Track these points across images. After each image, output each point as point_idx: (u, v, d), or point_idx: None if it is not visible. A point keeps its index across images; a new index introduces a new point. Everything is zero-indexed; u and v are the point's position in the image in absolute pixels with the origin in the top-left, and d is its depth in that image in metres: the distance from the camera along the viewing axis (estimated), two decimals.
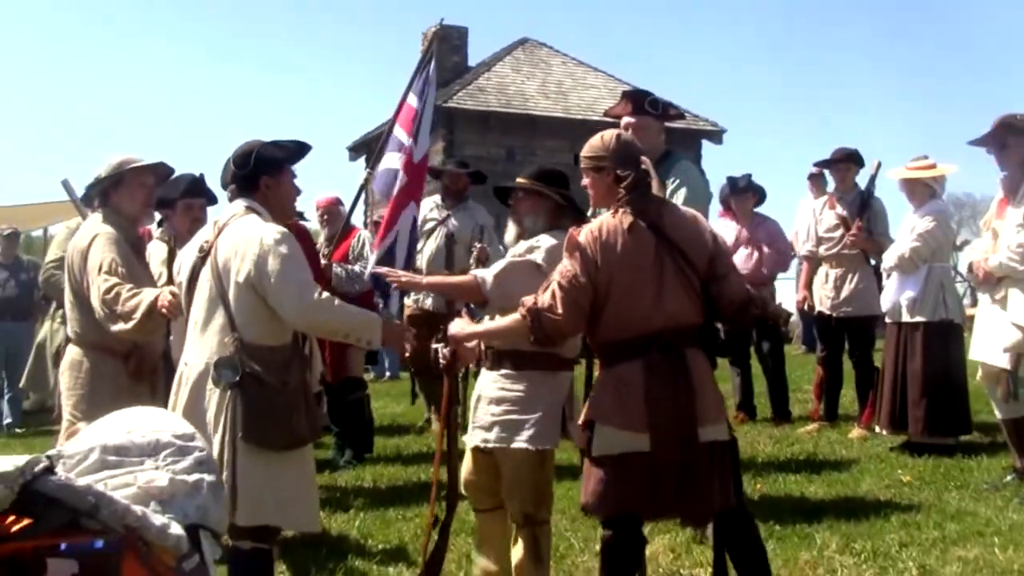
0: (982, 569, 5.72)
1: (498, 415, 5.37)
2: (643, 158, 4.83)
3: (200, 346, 4.87)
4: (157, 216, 7.27)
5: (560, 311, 4.65)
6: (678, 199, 6.02)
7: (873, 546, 6.15)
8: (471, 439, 5.54)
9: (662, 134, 6.51)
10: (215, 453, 4.63)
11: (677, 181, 6.26)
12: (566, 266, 4.71)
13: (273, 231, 4.83)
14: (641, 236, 4.65)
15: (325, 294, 4.85)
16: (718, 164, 30.31)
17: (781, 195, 50.29)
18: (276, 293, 4.73)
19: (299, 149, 5.30)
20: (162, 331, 6.05)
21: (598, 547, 5.11)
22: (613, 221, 4.70)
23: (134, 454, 3.31)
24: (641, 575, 5.20)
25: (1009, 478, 7.50)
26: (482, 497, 5.70)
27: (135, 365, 6.00)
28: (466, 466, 5.70)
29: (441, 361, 5.68)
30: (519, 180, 5.64)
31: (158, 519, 3.13)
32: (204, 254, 4.94)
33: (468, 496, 5.80)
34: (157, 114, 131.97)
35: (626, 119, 6.33)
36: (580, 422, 4.85)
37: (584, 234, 4.73)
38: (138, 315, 5.64)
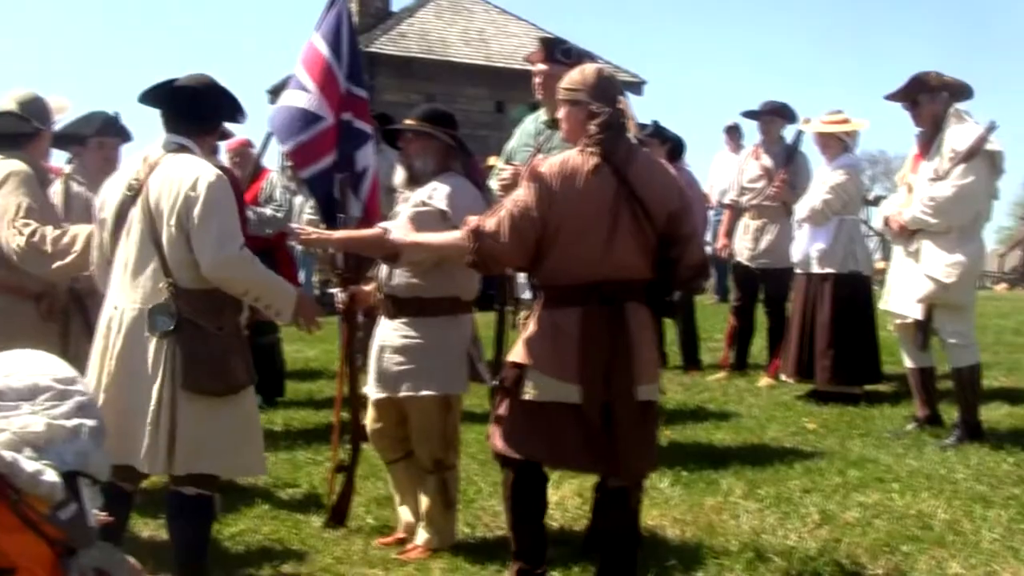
0: (881, 514, 5.88)
1: (403, 364, 5.37)
2: (621, 98, 4.69)
3: (132, 290, 4.70)
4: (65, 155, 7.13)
5: (504, 239, 4.55)
6: None
7: (777, 492, 6.30)
8: (374, 390, 5.53)
9: None
10: (153, 401, 4.58)
11: None
12: (520, 195, 4.61)
13: (211, 172, 4.67)
14: (602, 179, 4.52)
15: (247, 251, 4.68)
16: (639, 115, 30.37)
17: (702, 148, 50.49)
18: (196, 239, 4.58)
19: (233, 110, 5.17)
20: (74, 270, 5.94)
21: None
22: (578, 159, 4.57)
23: (10, 398, 3.22)
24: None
25: (910, 426, 7.71)
26: (390, 447, 5.71)
27: (47, 305, 5.86)
28: (370, 417, 5.69)
29: (338, 306, 5.73)
30: (407, 121, 5.60)
31: (30, 465, 3.06)
32: (134, 192, 4.74)
33: (376, 448, 5.80)
34: (63, 50, 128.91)
35: (538, 66, 6.32)
36: (508, 362, 4.77)
37: (546, 166, 4.61)
38: (77, 248, 5.46)
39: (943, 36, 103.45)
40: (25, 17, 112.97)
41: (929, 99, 7.33)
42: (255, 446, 4.88)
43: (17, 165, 5.74)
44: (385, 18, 27.73)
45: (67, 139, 6.60)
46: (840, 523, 5.77)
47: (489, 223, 4.60)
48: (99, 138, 6.71)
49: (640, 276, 4.61)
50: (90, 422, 3.34)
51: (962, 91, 7.44)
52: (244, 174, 9.34)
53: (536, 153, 6.09)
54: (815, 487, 6.40)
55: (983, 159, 7.17)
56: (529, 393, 4.60)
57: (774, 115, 10.02)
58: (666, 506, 6.10)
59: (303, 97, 6.04)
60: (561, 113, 4.81)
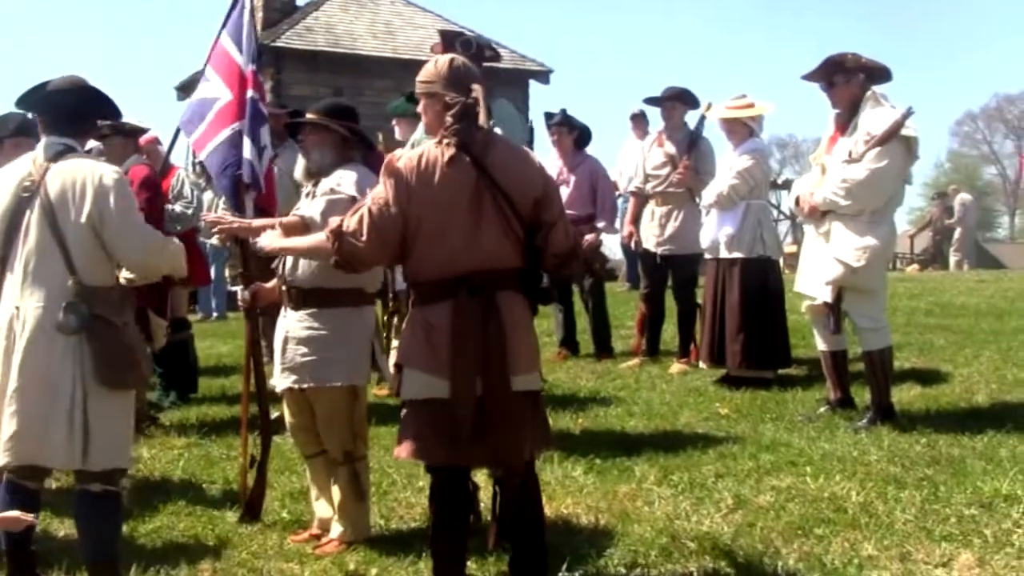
0: (794, 498, 5.84)
1: (308, 355, 5.37)
2: (475, 86, 4.60)
3: (33, 290, 4.68)
4: None
5: (364, 238, 4.50)
6: None
7: (690, 477, 6.25)
8: (280, 382, 5.50)
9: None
10: (67, 398, 4.57)
11: (491, 122, 6.19)
12: (378, 192, 4.55)
13: (110, 171, 4.76)
14: (461, 170, 4.46)
15: (164, 238, 4.93)
16: (546, 104, 30.37)
17: (609, 136, 50.66)
18: (119, 236, 4.70)
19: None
20: None
21: (421, 483, 5.06)
22: (435, 151, 4.51)
23: None
24: (475, 517, 5.16)
25: (822, 409, 7.70)
26: (308, 440, 5.67)
27: None
28: (287, 411, 5.67)
29: (241, 304, 5.74)
30: (308, 115, 5.67)
31: None
32: (30, 194, 4.74)
33: (295, 442, 5.81)
34: None
35: None
36: (393, 363, 4.76)
37: (403, 160, 4.55)
38: None
39: (854, 15, 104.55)
40: None
41: (845, 80, 7.30)
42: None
43: None
44: (291, 12, 27.39)
45: None
46: (754, 507, 5.73)
47: (349, 223, 4.56)
48: (16, 139, 6.53)
49: (510, 265, 4.55)
50: None
51: (880, 74, 7.41)
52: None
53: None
54: (728, 472, 6.36)
55: (898, 144, 7.14)
56: (409, 392, 4.55)
57: (676, 101, 9.93)
58: (580, 494, 6.03)
59: (204, 87, 6.13)
60: (420, 107, 4.77)
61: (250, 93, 6.01)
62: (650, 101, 10.35)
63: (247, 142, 5.90)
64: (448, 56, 4.83)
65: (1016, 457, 6.36)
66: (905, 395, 8.17)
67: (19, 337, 4.65)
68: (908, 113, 7.16)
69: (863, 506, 5.64)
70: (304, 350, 5.38)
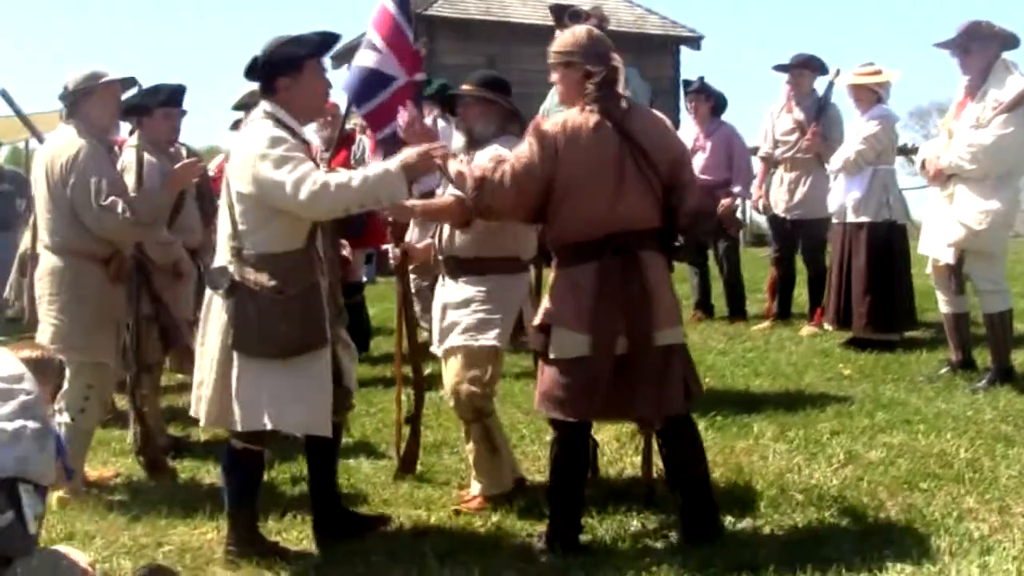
0: (904, 454, 6.10)
1: (465, 315, 5.50)
2: (614, 55, 4.87)
3: (218, 251, 4.98)
4: (126, 126, 7.52)
5: (505, 190, 4.75)
6: None
7: (806, 434, 6.53)
8: (438, 346, 5.68)
9: None
10: (218, 359, 4.83)
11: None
12: (523, 151, 4.79)
13: (262, 138, 4.77)
14: (605, 135, 4.72)
15: (322, 182, 4.68)
16: (698, 70, 30.19)
17: (762, 102, 50.05)
18: (271, 191, 4.71)
19: (323, 41, 5.08)
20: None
21: (548, 437, 5.42)
22: (579, 118, 4.76)
23: None
24: (593, 472, 5.49)
25: (944, 371, 7.88)
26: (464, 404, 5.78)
27: (115, 269, 6.17)
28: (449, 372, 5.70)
29: (391, 262, 5.91)
30: (465, 87, 5.71)
31: None
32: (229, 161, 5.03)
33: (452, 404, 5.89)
34: (104, 33, 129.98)
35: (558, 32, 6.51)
36: (536, 324, 4.96)
37: (549, 124, 4.80)
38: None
39: None
40: None
41: (981, 47, 7.43)
42: (312, 405, 4.86)
43: (84, 140, 6.08)
44: None
45: (134, 108, 6.98)
46: (864, 463, 6.00)
47: (494, 175, 4.79)
48: (165, 108, 7.12)
49: (651, 225, 4.82)
50: (33, 424, 3.28)
51: (1011, 41, 7.52)
52: (331, 136, 9.67)
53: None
54: (844, 429, 6.62)
55: None
56: (556, 352, 4.80)
57: (804, 68, 10.11)
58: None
59: (372, 57, 6.06)
60: (555, 76, 5.00)
61: (418, 75, 6.13)
62: (779, 68, 10.48)
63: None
64: (585, 27, 5.07)
65: None
66: None
67: (207, 295, 5.00)
68: None
69: (970, 462, 5.88)
70: (460, 311, 5.52)
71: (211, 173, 9.50)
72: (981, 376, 7.58)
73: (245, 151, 4.81)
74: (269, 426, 4.83)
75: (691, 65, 28.29)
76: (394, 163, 4.81)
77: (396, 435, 6.33)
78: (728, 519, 5.23)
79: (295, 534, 5.34)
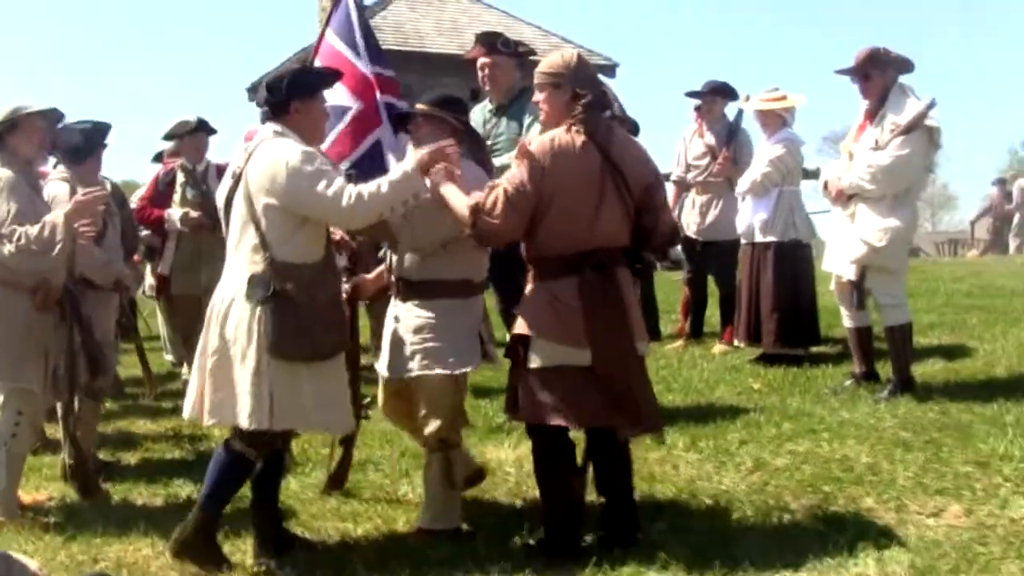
0: (808, 460, 6.39)
1: (418, 343, 5.49)
2: (606, 81, 5.22)
3: (233, 264, 5.21)
4: (51, 159, 7.64)
5: (498, 214, 4.97)
6: (532, 134, 6.44)
7: (716, 444, 6.80)
8: (387, 370, 5.71)
9: (517, 71, 6.96)
10: (252, 364, 5.03)
11: (532, 117, 6.69)
12: (514, 172, 5.03)
13: (297, 151, 5.07)
14: (590, 155, 5.00)
15: (356, 192, 5.03)
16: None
17: (675, 128, 50.91)
18: (314, 205, 5.04)
19: (331, 76, 5.60)
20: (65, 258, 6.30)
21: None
22: (566, 137, 5.03)
23: None
24: (581, 473, 5.48)
25: (848, 383, 8.19)
26: (404, 422, 5.97)
27: (42, 297, 6.23)
28: (382, 394, 5.86)
29: (343, 294, 5.83)
30: (419, 106, 5.82)
31: None
32: (236, 180, 5.23)
33: (392, 421, 6.13)
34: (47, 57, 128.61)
35: (482, 60, 6.74)
36: (513, 335, 5.19)
37: (536, 144, 5.05)
38: (59, 237, 5.99)
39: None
40: None
41: (879, 73, 7.78)
42: (338, 406, 5.33)
43: (6, 171, 6.17)
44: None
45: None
46: (771, 469, 6.28)
47: (487, 201, 5.01)
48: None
49: (622, 243, 5.12)
50: None
51: (907, 66, 7.89)
52: None
53: (485, 139, 6.52)
54: (752, 439, 6.89)
55: (921, 133, 7.62)
56: (537, 361, 5.05)
57: (716, 94, 10.46)
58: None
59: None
60: (541, 96, 5.23)
61: (379, 97, 6.39)
62: (692, 95, 10.80)
63: (388, 155, 6.36)
64: (573, 51, 5.41)
65: (1020, 422, 6.81)
66: (929, 369, 8.63)
67: (220, 305, 5.18)
68: (931, 104, 7.63)
69: (870, 466, 6.17)
70: (412, 338, 5.50)
71: (132, 205, 9.63)
72: (884, 387, 7.88)
73: (274, 166, 5.06)
74: (303, 425, 5.36)
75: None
76: (410, 163, 5.18)
77: (332, 452, 6.43)
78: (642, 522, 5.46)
79: (227, 547, 5.44)
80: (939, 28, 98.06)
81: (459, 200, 5.16)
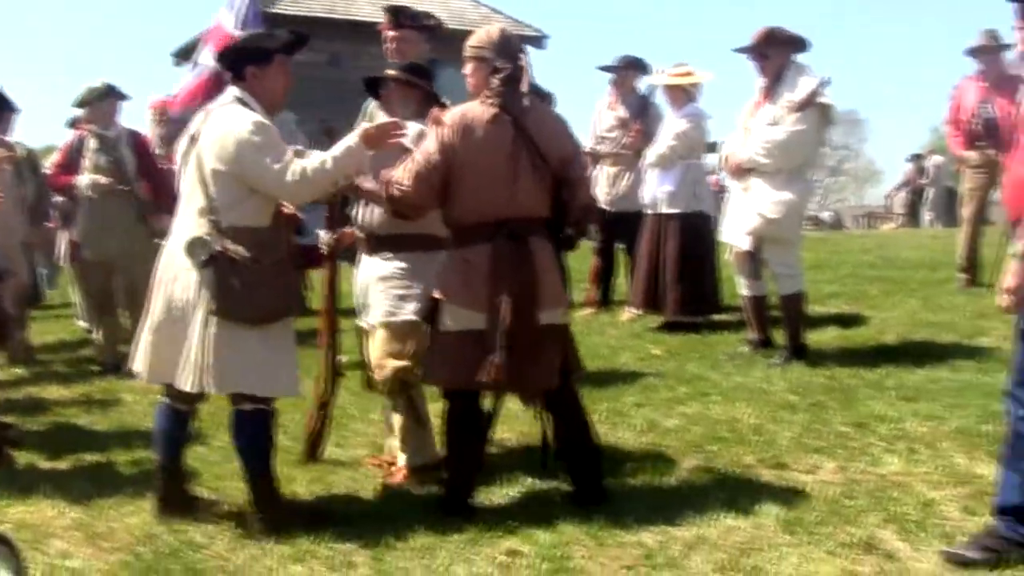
0: (698, 421, 6.69)
1: (385, 292, 5.75)
2: (523, 56, 5.35)
3: (183, 223, 5.23)
4: None
5: (407, 184, 5.16)
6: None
7: (612, 407, 7.07)
8: (364, 320, 5.95)
9: (424, 44, 7.10)
10: (198, 326, 5.08)
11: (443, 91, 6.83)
12: (425, 144, 5.22)
13: (249, 121, 5.11)
14: (501, 128, 5.15)
15: (300, 168, 5.08)
16: (541, 70, 30.91)
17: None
18: (258, 178, 5.08)
19: (292, 41, 5.49)
20: None
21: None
22: (479, 109, 5.20)
23: None
24: (489, 442, 5.73)
25: (744, 349, 8.51)
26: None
27: None
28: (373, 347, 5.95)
29: (323, 248, 6.07)
30: (389, 72, 6.04)
31: None
32: (193, 140, 5.29)
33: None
34: None
35: (390, 33, 6.89)
36: (430, 297, 5.36)
37: (448, 116, 5.23)
38: None
39: None
40: None
41: (775, 52, 8.06)
42: (285, 369, 5.28)
43: None
44: None
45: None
46: (662, 430, 6.57)
47: (397, 173, 5.21)
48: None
49: (540, 214, 5.27)
50: None
51: (802, 45, 8.18)
52: (168, 132, 9.94)
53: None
54: (647, 402, 7.18)
55: (815, 110, 7.93)
56: (445, 324, 5.24)
57: (629, 69, 10.73)
58: (514, 422, 6.70)
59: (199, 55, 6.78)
60: (467, 69, 5.41)
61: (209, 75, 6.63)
62: (605, 68, 11.05)
63: None
64: (498, 27, 5.58)
65: (901, 386, 7.20)
66: (824, 336, 8.97)
67: (167, 266, 5.22)
68: (825, 82, 7.93)
69: (754, 427, 6.49)
70: (380, 287, 5.77)
71: (47, 171, 9.70)
72: (778, 353, 8.20)
73: (226, 133, 5.12)
74: (246, 390, 5.18)
75: (536, 64, 28.92)
76: (354, 138, 5.21)
77: (309, 420, 6.36)
78: (533, 482, 5.74)
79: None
80: (869, 10, 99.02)
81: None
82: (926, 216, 24.80)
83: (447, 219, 5.36)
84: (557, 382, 5.34)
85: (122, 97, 9.41)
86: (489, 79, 5.23)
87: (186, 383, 5.13)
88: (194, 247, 5.07)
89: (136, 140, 9.43)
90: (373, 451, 6.48)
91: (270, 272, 5.15)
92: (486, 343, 5.10)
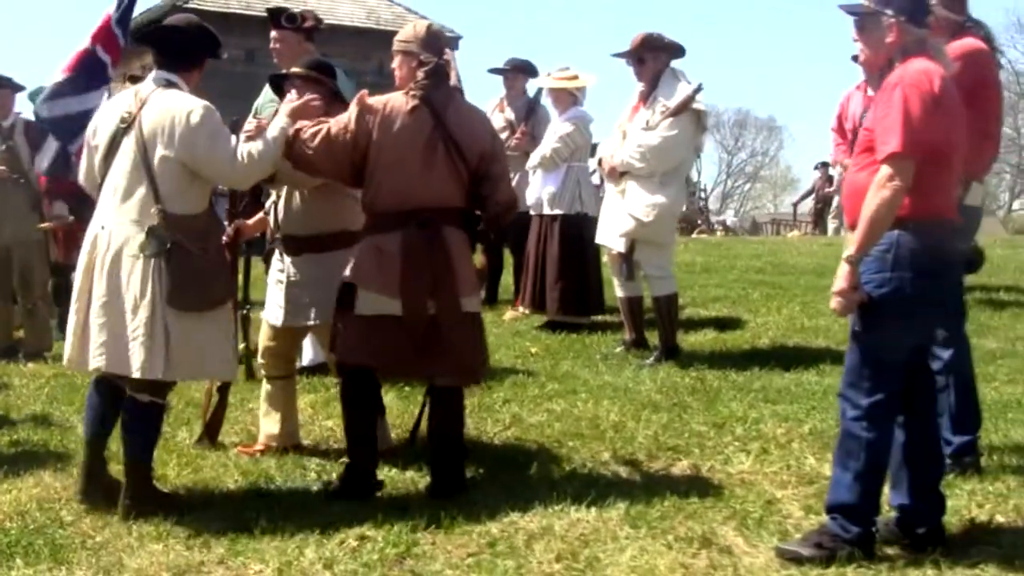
0: (562, 418, 6.82)
1: (311, 295, 5.94)
2: (448, 51, 5.55)
3: (120, 213, 5.19)
4: None
5: (315, 145, 5.31)
6: None
7: (480, 402, 7.15)
8: (283, 319, 6.08)
9: (305, 44, 7.17)
10: (145, 315, 5.09)
11: None
12: (343, 116, 5.35)
13: (199, 107, 5.19)
14: (420, 119, 5.31)
15: (247, 151, 5.25)
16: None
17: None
18: (208, 164, 5.19)
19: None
20: None
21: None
22: (400, 100, 5.36)
23: None
24: (381, 415, 6.01)
25: (619, 349, 8.66)
26: (278, 364, 6.29)
27: None
28: (265, 336, 6.24)
29: (224, 239, 6.01)
30: (295, 70, 6.11)
31: None
32: (127, 124, 5.24)
33: (264, 363, 6.35)
34: None
35: (272, 33, 6.97)
36: (342, 281, 5.46)
37: (373, 100, 5.36)
38: None
39: None
40: None
41: (653, 57, 8.21)
42: (227, 354, 5.54)
43: None
44: None
45: None
46: (525, 425, 6.69)
47: (309, 130, 5.35)
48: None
49: (454, 205, 5.41)
50: None
51: (679, 51, 8.34)
52: None
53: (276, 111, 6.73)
54: (515, 398, 7.29)
55: (689, 116, 8.12)
56: (361, 309, 5.34)
57: (517, 72, 10.82)
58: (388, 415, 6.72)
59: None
60: (395, 62, 5.55)
61: (96, 46, 7.06)
62: (495, 71, 11.12)
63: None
64: (425, 23, 5.72)
65: (764, 388, 7.38)
66: (700, 338, 9.17)
67: (105, 254, 5.16)
68: (698, 89, 8.12)
69: (615, 424, 6.62)
70: (307, 291, 5.95)
71: None
72: (651, 353, 8.34)
73: (174, 120, 5.16)
74: (196, 374, 5.55)
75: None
76: (282, 119, 5.41)
77: (205, 403, 6.48)
78: (391, 472, 5.82)
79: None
80: (790, 13, 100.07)
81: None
82: (831, 224, 24.97)
83: (364, 206, 5.49)
84: (484, 372, 5.72)
85: (18, 88, 9.60)
86: (415, 72, 5.37)
87: (135, 369, 5.14)
88: (150, 237, 5.10)
89: (30, 129, 9.49)
90: (246, 439, 6.53)
91: (216, 259, 5.34)
92: (400, 329, 5.26)
